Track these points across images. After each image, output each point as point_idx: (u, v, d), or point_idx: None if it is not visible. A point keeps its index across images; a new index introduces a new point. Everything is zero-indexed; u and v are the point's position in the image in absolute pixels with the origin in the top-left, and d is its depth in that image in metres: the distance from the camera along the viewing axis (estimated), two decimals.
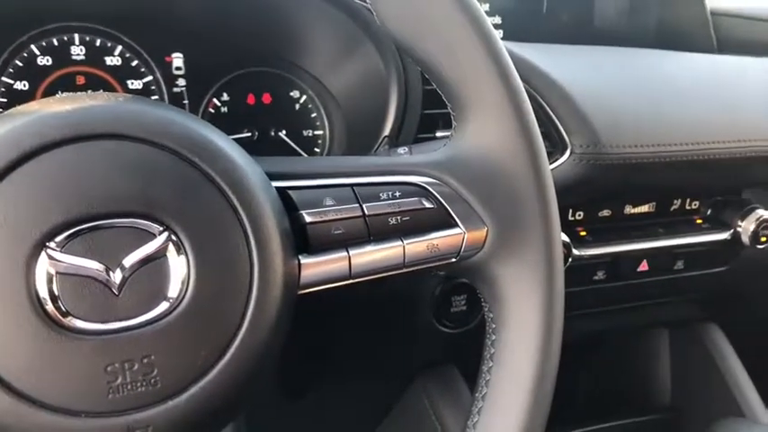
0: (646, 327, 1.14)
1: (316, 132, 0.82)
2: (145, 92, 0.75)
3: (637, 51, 0.95)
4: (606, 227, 0.83)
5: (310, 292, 0.43)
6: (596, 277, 0.84)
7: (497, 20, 0.95)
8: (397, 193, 0.45)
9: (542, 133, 0.71)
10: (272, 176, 0.42)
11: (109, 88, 0.73)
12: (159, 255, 0.36)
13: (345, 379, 0.91)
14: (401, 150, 0.59)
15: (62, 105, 0.37)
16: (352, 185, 0.44)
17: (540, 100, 0.71)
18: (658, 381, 1.16)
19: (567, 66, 0.78)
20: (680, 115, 0.78)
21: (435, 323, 0.81)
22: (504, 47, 0.46)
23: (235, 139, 0.75)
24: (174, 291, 0.37)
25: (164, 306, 0.36)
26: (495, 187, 0.45)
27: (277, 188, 0.42)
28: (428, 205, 0.45)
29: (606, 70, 0.84)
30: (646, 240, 0.83)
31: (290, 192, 0.43)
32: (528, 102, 0.46)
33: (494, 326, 0.47)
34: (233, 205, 0.38)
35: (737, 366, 1.05)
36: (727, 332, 1.08)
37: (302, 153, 0.81)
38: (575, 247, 0.78)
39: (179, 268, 0.37)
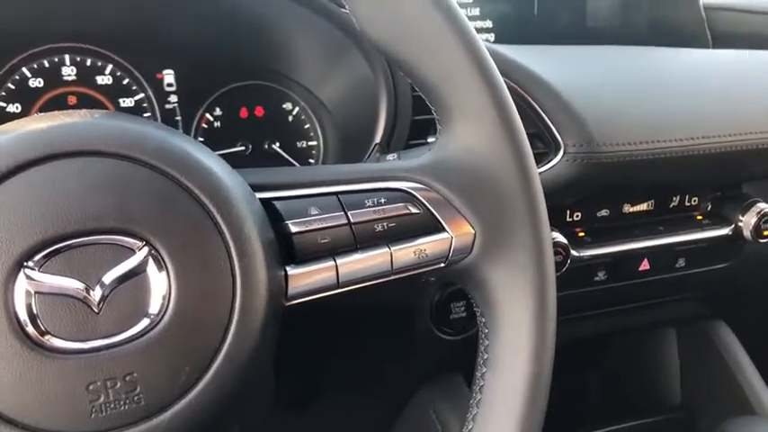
0: (652, 326, 1.13)
1: (309, 143, 0.81)
2: (137, 109, 0.75)
3: (629, 48, 0.94)
4: (605, 227, 0.82)
5: (301, 303, 0.42)
6: (597, 278, 0.83)
7: (488, 23, 0.95)
8: (383, 200, 0.44)
9: (535, 134, 0.71)
10: (256, 188, 0.42)
11: (101, 107, 0.73)
12: (139, 271, 0.36)
13: (346, 390, 0.91)
14: (390, 157, 0.58)
15: (37, 124, 0.37)
16: (336, 193, 0.44)
17: (531, 100, 0.71)
18: (668, 380, 1.14)
19: (558, 65, 0.77)
20: (674, 110, 0.77)
21: (435, 330, 0.80)
22: (483, 45, 0.45)
23: (229, 153, 0.77)
24: (155, 307, 0.36)
25: (145, 322, 0.36)
26: (480, 189, 0.45)
27: (261, 199, 0.42)
28: (414, 210, 0.45)
29: (598, 68, 0.83)
30: (646, 239, 0.82)
31: (274, 202, 0.43)
32: (511, 101, 0.46)
33: (486, 330, 0.46)
34: (213, 218, 0.38)
35: (747, 363, 1.03)
36: (736, 329, 1.07)
37: (297, 164, 0.81)
38: (573, 249, 0.77)
39: (160, 284, 0.36)
